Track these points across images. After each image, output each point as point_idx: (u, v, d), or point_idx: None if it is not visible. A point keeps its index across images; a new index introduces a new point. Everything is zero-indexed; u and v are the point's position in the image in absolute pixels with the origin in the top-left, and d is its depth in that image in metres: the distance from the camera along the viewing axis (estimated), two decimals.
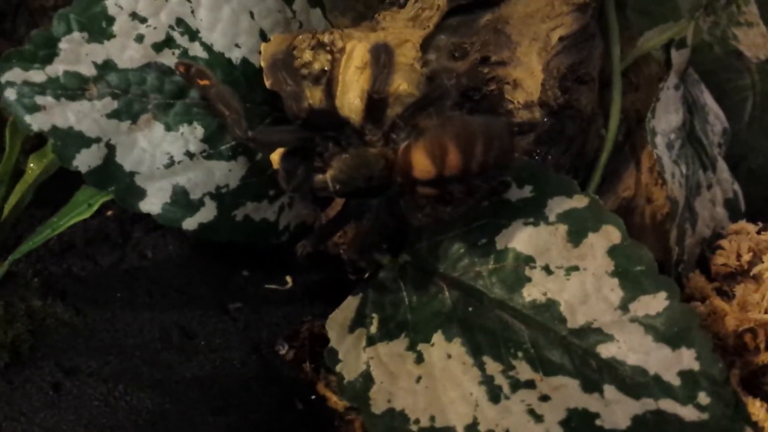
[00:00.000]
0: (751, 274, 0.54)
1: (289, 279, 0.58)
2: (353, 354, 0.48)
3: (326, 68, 0.49)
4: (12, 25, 0.61)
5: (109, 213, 0.60)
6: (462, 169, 0.44)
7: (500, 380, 0.45)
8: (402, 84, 0.48)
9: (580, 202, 0.48)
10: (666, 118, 0.57)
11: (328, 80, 0.49)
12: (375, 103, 0.46)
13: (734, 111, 0.70)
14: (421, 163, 0.44)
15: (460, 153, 0.44)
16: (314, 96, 0.50)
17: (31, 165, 0.52)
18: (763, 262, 0.54)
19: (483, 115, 0.51)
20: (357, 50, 0.49)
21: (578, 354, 0.45)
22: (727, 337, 0.50)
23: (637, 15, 0.69)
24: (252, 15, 0.52)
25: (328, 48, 0.50)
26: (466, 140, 0.44)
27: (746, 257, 0.55)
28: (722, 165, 0.64)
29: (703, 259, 0.59)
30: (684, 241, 0.56)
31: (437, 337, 0.47)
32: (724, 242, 0.56)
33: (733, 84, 0.74)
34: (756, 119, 0.71)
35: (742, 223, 0.59)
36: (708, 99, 0.66)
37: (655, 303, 0.45)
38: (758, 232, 0.58)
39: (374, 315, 0.49)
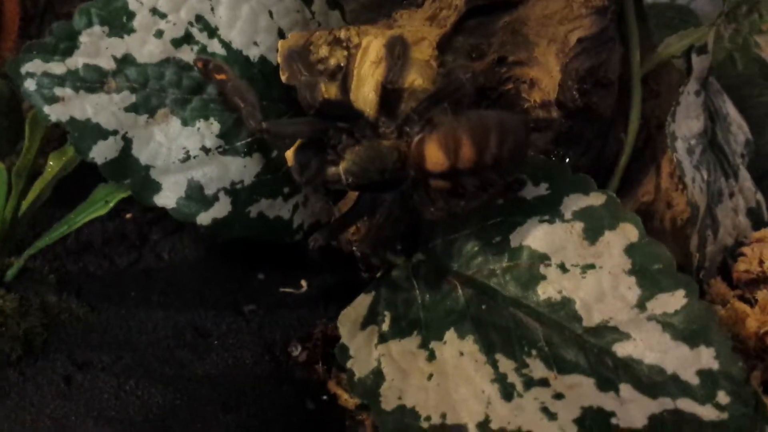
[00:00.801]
0: None
1: (303, 283, 0.58)
2: (364, 351, 0.47)
3: (342, 64, 0.50)
4: (38, 30, 0.62)
5: (128, 215, 0.61)
6: (475, 162, 0.44)
7: (513, 378, 0.44)
8: (417, 79, 0.48)
9: (596, 199, 0.47)
10: (686, 124, 0.57)
11: (343, 75, 0.49)
12: (389, 94, 0.46)
13: (758, 125, 0.69)
14: (435, 155, 0.44)
15: (473, 145, 0.44)
16: (330, 91, 0.50)
17: (50, 162, 0.53)
18: None
19: (498, 110, 0.51)
20: (373, 45, 0.49)
21: (594, 352, 0.44)
22: (748, 339, 0.48)
23: (658, 27, 0.68)
24: (271, 14, 0.53)
25: (344, 44, 0.50)
26: (480, 133, 0.44)
27: None
28: (745, 174, 0.62)
29: (725, 268, 0.57)
30: (705, 247, 0.55)
31: (450, 335, 0.47)
32: (746, 249, 0.55)
33: (757, 99, 0.73)
34: None
35: (766, 231, 0.58)
36: (731, 109, 0.65)
37: (673, 301, 0.44)
38: None
39: (386, 313, 0.49)
